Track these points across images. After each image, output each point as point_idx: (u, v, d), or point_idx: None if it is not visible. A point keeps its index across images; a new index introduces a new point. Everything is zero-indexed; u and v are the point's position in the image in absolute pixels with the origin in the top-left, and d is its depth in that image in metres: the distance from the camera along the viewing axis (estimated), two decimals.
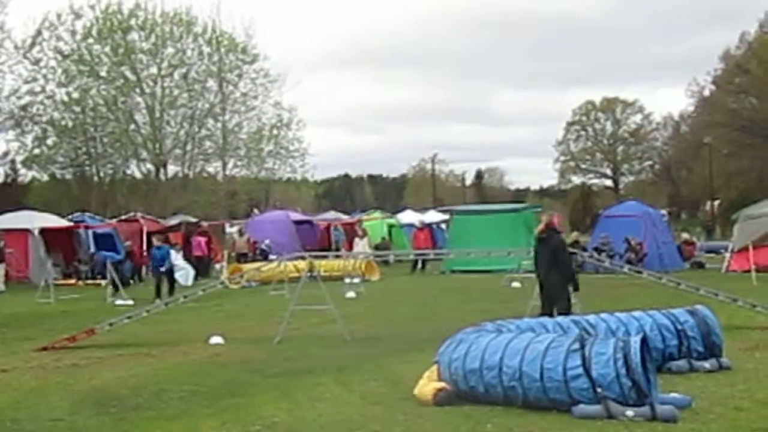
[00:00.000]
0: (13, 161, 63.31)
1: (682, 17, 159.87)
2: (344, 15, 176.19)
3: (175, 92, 66.02)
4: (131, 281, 37.32)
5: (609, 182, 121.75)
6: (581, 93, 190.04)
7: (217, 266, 42.53)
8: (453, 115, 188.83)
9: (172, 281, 30.06)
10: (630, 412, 10.24)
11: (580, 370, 10.58)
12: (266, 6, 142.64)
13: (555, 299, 16.52)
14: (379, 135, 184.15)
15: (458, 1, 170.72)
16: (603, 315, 14.19)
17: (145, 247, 41.89)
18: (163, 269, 29.53)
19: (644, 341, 10.89)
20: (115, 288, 30.21)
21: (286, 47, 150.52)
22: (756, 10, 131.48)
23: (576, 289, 16.81)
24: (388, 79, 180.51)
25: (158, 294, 28.31)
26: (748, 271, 31.74)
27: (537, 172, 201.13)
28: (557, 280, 16.62)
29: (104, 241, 41.84)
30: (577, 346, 10.82)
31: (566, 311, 15.70)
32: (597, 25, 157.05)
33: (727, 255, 38.11)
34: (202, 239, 42.94)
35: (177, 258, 37.85)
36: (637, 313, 14.16)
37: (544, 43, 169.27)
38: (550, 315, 15.75)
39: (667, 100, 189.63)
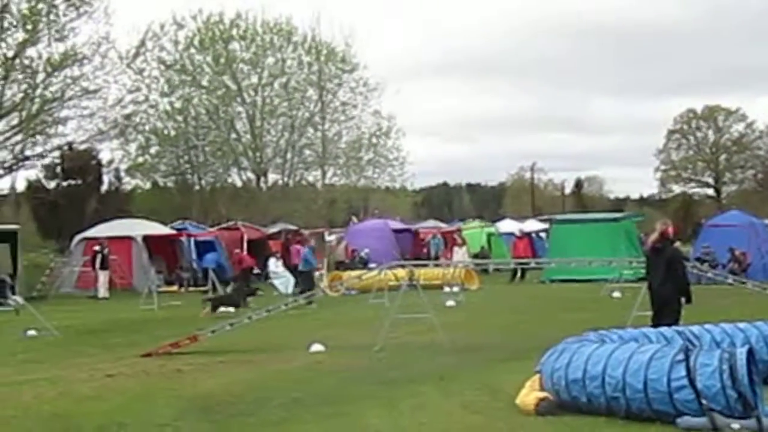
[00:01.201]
0: (117, 169, 64.14)
1: None
2: (441, 24, 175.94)
3: (276, 101, 66.45)
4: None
5: (711, 191, 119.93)
6: (680, 101, 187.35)
7: (317, 274, 42.69)
8: (550, 123, 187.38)
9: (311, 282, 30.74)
10: (736, 425, 10.08)
11: (685, 382, 10.44)
12: (365, 15, 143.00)
13: (665, 311, 16.23)
14: (477, 143, 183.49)
15: (554, 10, 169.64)
16: (707, 326, 13.97)
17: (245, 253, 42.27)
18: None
19: (750, 353, 10.71)
20: (213, 288, 30.52)
21: (384, 56, 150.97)
22: None
23: (689, 301, 16.47)
24: (485, 88, 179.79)
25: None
26: None
27: (637, 180, 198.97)
28: (671, 291, 16.30)
29: (206, 249, 42.32)
30: (681, 357, 10.67)
31: (675, 323, 15.42)
32: (695, 31, 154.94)
33: None
34: (301, 247, 43.12)
35: (277, 266, 38.17)
36: (742, 324, 13.93)
37: (641, 51, 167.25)
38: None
39: None
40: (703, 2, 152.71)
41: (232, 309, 27.52)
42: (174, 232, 44.55)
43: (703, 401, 10.28)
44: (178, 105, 64.16)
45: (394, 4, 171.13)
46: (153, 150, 64.95)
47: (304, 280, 32.38)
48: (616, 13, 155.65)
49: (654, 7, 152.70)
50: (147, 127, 62.91)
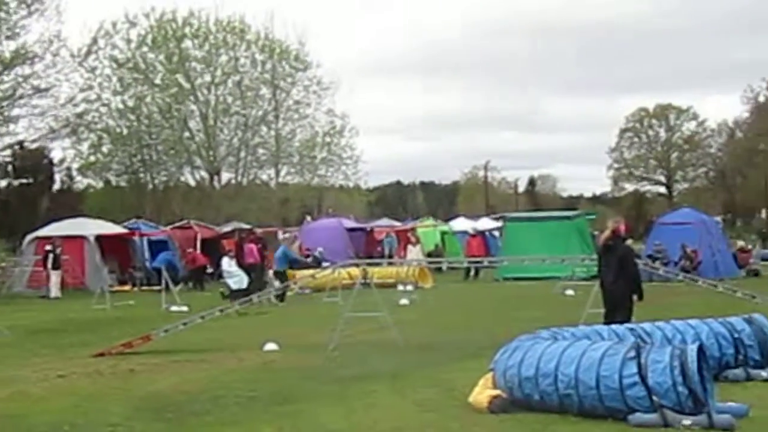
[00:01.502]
0: (69, 168, 63.93)
1: (736, 22, 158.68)
2: (394, 23, 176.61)
3: (229, 100, 66.33)
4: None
5: (663, 189, 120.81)
6: (632, 99, 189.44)
7: (270, 273, 42.54)
8: (504, 122, 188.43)
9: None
10: (687, 421, 10.17)
11: (637, 378, 10.53)
12: (318, 13, 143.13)
13: (618, 308, 16.35)
14: (431, 142, 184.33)
15: (509, 8, 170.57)
16: (659, 323, 14.09)
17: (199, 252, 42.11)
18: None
19: (701, 349, 10.82)
20: (167, 288, 30.40)
21: (337, 54, 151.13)
22: None
23: (641, 298, 16.58)
24: (438, 87, 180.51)
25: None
26: None
27: (590, 179, 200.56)
28: (623, 289, 16.42)
29: (159, 248, 42.16)
30: (633, 354, 10.76)
31: (627, 320, 15.54)
32: (646, 31, 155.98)
33: None
34: (254, 246, 43.01)
35: (231, 265, 38.02)
36: (693, 321, 14.05)
37: (595, 49, 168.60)
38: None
39: (721, 106, 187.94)
40: (653, 3, 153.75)
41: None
42: (127, 231, 44.32)
43: (654, 398, 10.36)
44: (130, 103, 64.00)
45: (348, 3, 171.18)
46: (105, 149, 64.73)
47: (282, 280, 32.35)
48: (567, 13, 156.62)
49: (605, 7, 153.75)
50: (99, 126, 62.66)
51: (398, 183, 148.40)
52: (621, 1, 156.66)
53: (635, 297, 16.49)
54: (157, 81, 64.39)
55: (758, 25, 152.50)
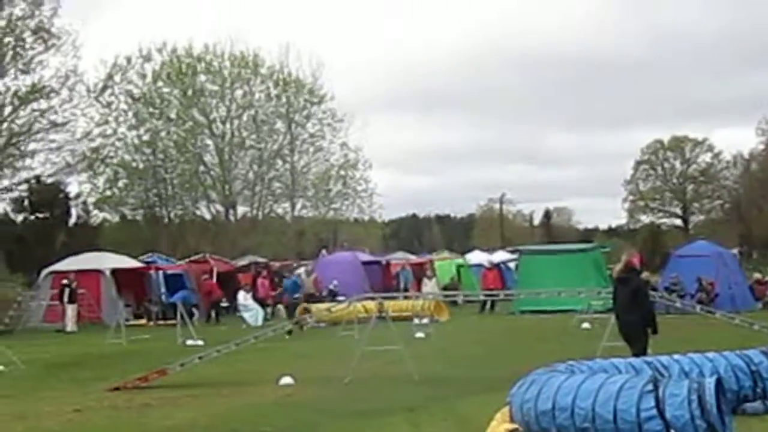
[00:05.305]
0: (85, 203, 63.88)
1: (751, 54, 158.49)
2: (402, 57, 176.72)
3: (244, 134, 66.57)
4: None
5: (678, 221, 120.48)
6: (644, 132, 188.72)
7: (279, 307, 42.39)
8: (513, 156, 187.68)
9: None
10: None
11: (654, 412, 10.45)
12: (330, 47, 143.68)
13: (632, 341, 16.27)
14: (444, 176, 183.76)
15: (513, 42, 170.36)
16: (676, 356, 14.00)
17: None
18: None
19: (719, 382, 10.75)
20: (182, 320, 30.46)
21: (348, 88, 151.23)
22: None
23: (655, 332, 16.47)
24: (446, 121, 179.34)
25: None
26: None
27: (605, 211, 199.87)
28: (636, 321, 16.32)
29: (175, 282, 42.16)
30: (650, 387, 10.69)
31: (642, 353, 15.46)
32: (651, 63, 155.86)
33: None
34: (266, 281, 43.02)
35: (246, 299, 38.12)
36: (710, 354, 13.96)
37: (597, 82, 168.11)
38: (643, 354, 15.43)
39: (736, 138, 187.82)
40: (659, 34, 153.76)
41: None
42: (143, 265, 44.40)
43: (672, 431, 10.29)
44: (146, 138, 64.23)
45: (353, 37, 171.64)
46: (121, 183, 64.94)
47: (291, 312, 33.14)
48: (577, 45, 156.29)
49: (610, 40, 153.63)
50: (115, 160, 62.85)
51: (414, 216, 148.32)
52: (626, 35, 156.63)
53: (650, 330, 16.40)
54: (172, 115, 64.67)
55: None
